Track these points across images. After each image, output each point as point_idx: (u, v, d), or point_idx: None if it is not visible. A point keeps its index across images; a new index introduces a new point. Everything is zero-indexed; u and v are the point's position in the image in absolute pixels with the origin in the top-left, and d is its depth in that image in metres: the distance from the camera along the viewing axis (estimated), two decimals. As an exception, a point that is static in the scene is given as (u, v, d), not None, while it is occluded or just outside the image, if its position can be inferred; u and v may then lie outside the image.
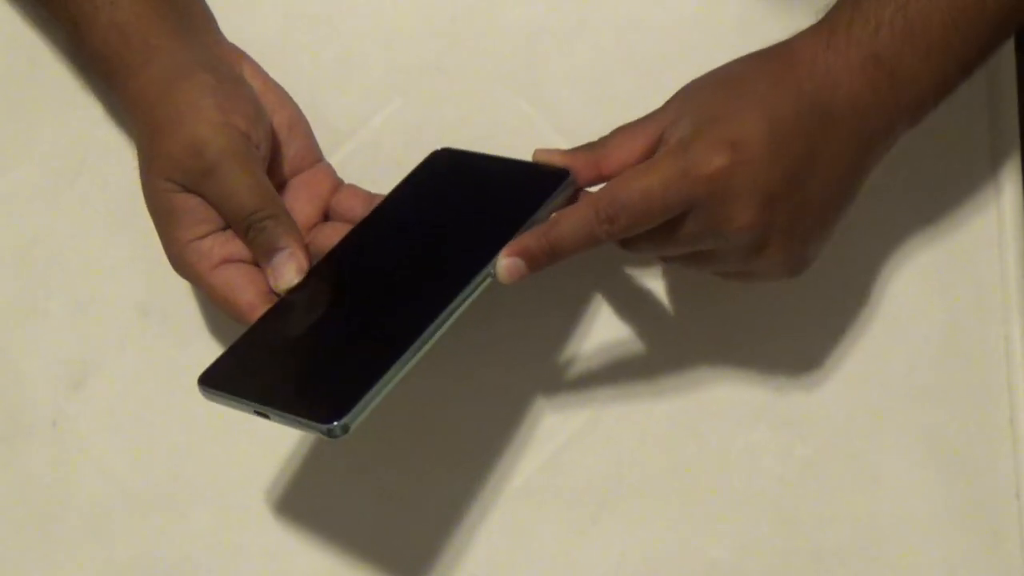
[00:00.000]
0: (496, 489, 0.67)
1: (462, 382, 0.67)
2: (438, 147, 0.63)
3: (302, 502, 0.66)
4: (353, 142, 0.70)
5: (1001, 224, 0.70)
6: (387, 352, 0.55)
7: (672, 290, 0.69)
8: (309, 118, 0.66)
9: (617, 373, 0.68)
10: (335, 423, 0.53)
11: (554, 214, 0.59)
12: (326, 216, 0.64)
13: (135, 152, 0.62)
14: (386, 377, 0.54)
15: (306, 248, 0.60)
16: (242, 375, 0.57)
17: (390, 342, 0.56)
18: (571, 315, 0.69)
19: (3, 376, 0.68)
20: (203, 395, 0.56)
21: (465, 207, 0.61)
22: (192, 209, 0.60)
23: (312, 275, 0.60)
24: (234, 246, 0.60)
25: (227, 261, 0.60)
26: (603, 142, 0.60)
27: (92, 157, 0.70)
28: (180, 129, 0.60)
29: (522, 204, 0.59)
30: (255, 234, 0.59)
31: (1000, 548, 0.67)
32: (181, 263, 0.61)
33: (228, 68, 0.63)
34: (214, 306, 0.61)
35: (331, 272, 0.60)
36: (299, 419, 0.54)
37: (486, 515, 0.67)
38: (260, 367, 0.57)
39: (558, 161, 0.60)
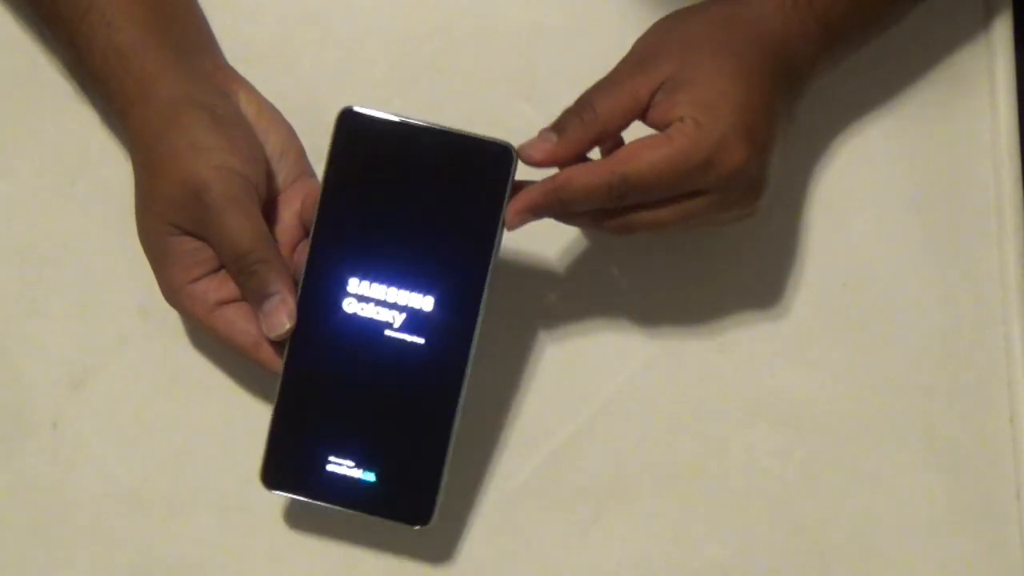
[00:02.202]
0: (496, 489, 0.67)
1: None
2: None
3: (302, 502, 0.66)
4: (353, 143, 0.70)
5: (1001, 224, 0.70)
6: (436, 432, 0.60)
7: (672, 289, 0.69)
8: (308, 119, 0.66)
9: (616, 373, 0.68)
10: (428, 522, 0.61)
11: (566, 171, 0.59)
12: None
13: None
14: (447, 460, 0.60)
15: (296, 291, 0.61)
16: (302, 471, 0.62)
17: (432, 418, 0.60)
18: (569, 314, 0.69)
19: (3, 377, 0.68)
20: (270, 491, 0.62)
21: (418, 200, 0.60)
22: (188, 252, 0.61)
23: (305, 314, 0.60)
24: (228, 289, 0.62)
25: (223, 303, 0.62)
26: (593, 113, 0.60)
27: (92, 158, 0.70)
28: (178, 171, 0.60)
29: (482, 194, 0.59)
30: (246, 278, 0.60)
31: (1000, 549, 0.67)
32: (177, 305, 0.63)
33: (225, 101, 0.63)
34: (217, 344, 0.63)
35: (321, 308, 0.61)
36: (388, 520, 0.61)
37: (486, 515, 0.67)
38: (316, 458, 0.61)
39: (555, 155, 0.60)
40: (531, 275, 0.69)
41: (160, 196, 0.61)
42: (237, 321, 0.61)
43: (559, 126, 0.60)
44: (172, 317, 0.68)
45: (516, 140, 0.61)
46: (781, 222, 0.70)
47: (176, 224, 0.61)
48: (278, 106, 0.66)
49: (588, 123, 0.60)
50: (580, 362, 0.68)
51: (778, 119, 0.61)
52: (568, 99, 0.71)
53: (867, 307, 0.69)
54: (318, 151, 0.67)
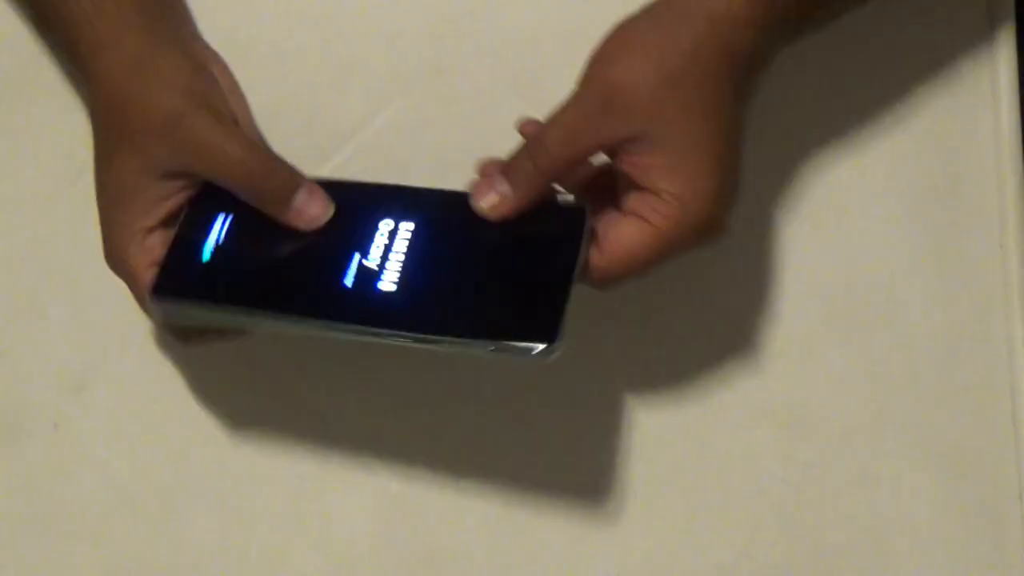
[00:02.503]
0: (496, 489, 0.67)
1: (461, 382, 0.67)
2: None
3: (302, 503, 0.66)
4: (353, 144, 0.70)
5: (1003, 225, 0.70)
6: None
7: (672, 291, 0.69)
8: (309, 120, 0.66)
9: (616, 374, 0.68)
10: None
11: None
12: None
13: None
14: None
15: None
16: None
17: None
18: (569, 315, 0.69)
19: (4, 378, 0.68)
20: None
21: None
22: (155, 196, 0.58)
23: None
24: (161, 251, 0.59)
25: (155, 264, 0.59)
26: (548, 157, 0.58)
27: (92, 158, 0.70)
28: (158, 101, 0.58)
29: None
30: (261, 183, 0.58)
31: (1002, 550, 0.67)
32: (121, 253, 0.59)
33: (201, 59, 0.62)
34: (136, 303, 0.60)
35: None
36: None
37: (486, 516, 0.67)
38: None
39: (506, 210, 0.58)
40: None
41: (137, 130, 0.58)
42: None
43: (510, 171, 0.58)
44: (172, 317, 0.68)
45: (515, 141, 0.61)
46: (781, 223, 0.70)
47: (156, 158, 0.58)
48: (277, 107, 0.66)
49: (542, 169, 0.58)
50: (579, 363, 0.68)
51: (743, 140, 0.58)
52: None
53: (867, 307, 0.69)
54: (318, 151, 0.67)
